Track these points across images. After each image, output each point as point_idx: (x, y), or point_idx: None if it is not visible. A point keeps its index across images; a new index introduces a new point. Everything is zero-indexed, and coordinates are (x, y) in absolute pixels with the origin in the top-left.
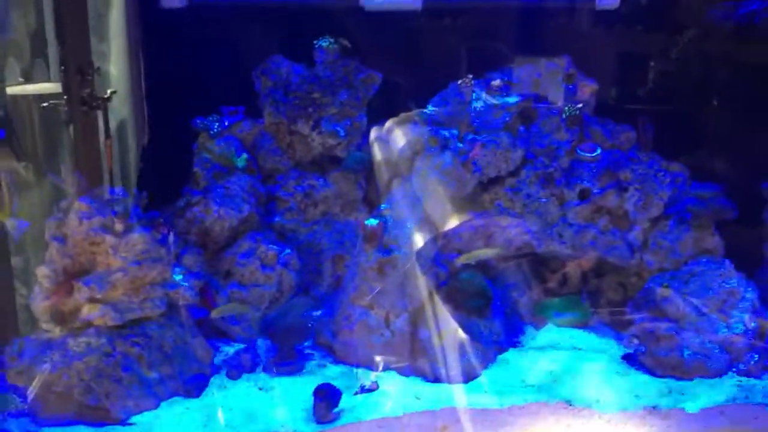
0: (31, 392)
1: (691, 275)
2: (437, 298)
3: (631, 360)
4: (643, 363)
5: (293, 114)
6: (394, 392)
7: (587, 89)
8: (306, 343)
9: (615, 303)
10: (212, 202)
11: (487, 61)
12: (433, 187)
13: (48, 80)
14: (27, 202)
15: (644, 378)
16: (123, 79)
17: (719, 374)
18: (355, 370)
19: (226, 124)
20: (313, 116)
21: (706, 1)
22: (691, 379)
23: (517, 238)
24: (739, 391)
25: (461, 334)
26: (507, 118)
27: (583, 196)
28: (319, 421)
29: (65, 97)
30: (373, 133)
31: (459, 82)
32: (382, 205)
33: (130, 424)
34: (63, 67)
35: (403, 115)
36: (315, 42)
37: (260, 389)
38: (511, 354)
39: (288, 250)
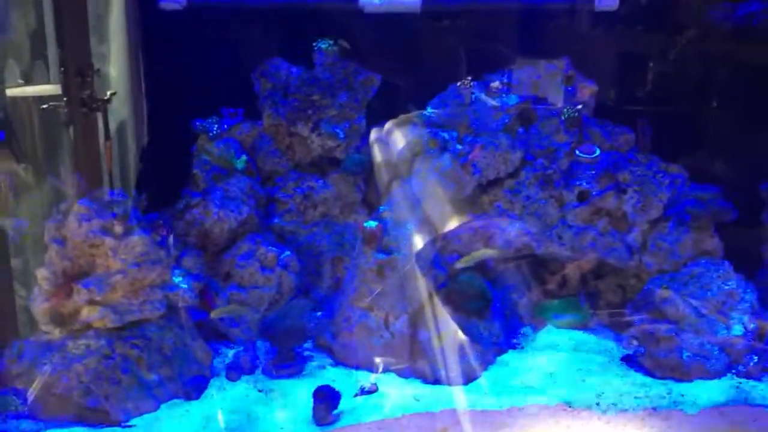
0: (31, 394)
1: (690, 277)
2: (437, 300)
3: (630, 361)
4: (642, 364)
5: (293, 116)
6: (394, 394)
7: (586, 91)
8: (305, 345)
9: (614, 304)
10: (212, 203)
11: (487, 63)
12: (432, 188)
13: (48, 82)
14: (27, 204)
15: (644, 379)
16: (123, 80)
17: (718, 375)
18: (354, 371)
19: (226, 126)
20: (313, 118)
21: (704, 3)
22: (691, 381)
23: (516, 240)
24: (738, 392)
25: (461, 336)
26: (506, 120)
27: (582, 198)
28: (319, 422)
29: (65, 98)
30: (373, 135)
31: (458, 83)
32: (382, 207)
33: (130, 426)
34: (63, 69)
35: (402, 116)
36: (314, 44)
37: (260, 391)
38: (510, 355)
39: (287, 252)
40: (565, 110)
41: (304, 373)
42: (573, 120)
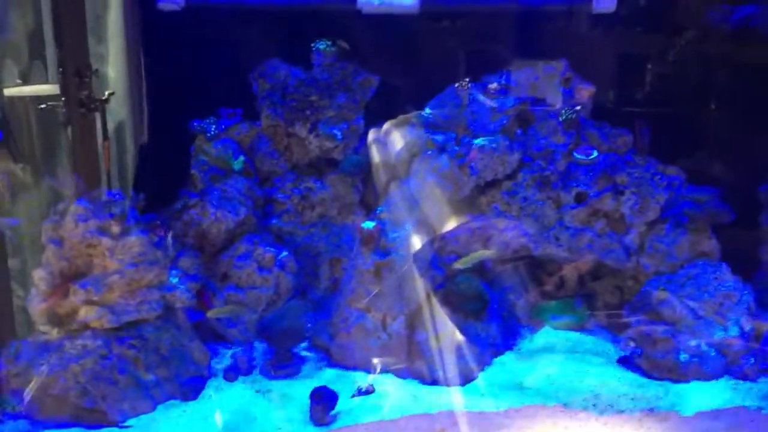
0: (28, 394)
1: (687, 278)
2: (434, 301)
3: (627, 363)
4: (639, 365)
5: (291, 116)
6: (391, 395)
7: (584, 92)
8: (303, 346)
9: (611, 306)
10: (209, 204)
11: (485, 64)
12: (430, 189)
13: (46, 82)
14: (24, 204)
15: (641, 380)
16: (121, 81)
17: (715, 377)
18: (351, 372)
19: (224, 126)
20: (311, 119)
21: (702, 5)
22: (688, 382)
23: (513, 241)
24: (734, 394)
25: (458, 337)
26: (504, 121)
27: (580, 200)
28: (316, 423)
29: (63, 98)
30: (371, 136)
31: (456, 85)
32: (379, 208)
33: (127, 426)
34: (61, 69)
35: (400, 117)
36: (312, 45)
37: (257, 392)
38: (507, 357)
39: (285, 253)
40: (563, 112)
41: (301, 373)
42: (571, 122)
